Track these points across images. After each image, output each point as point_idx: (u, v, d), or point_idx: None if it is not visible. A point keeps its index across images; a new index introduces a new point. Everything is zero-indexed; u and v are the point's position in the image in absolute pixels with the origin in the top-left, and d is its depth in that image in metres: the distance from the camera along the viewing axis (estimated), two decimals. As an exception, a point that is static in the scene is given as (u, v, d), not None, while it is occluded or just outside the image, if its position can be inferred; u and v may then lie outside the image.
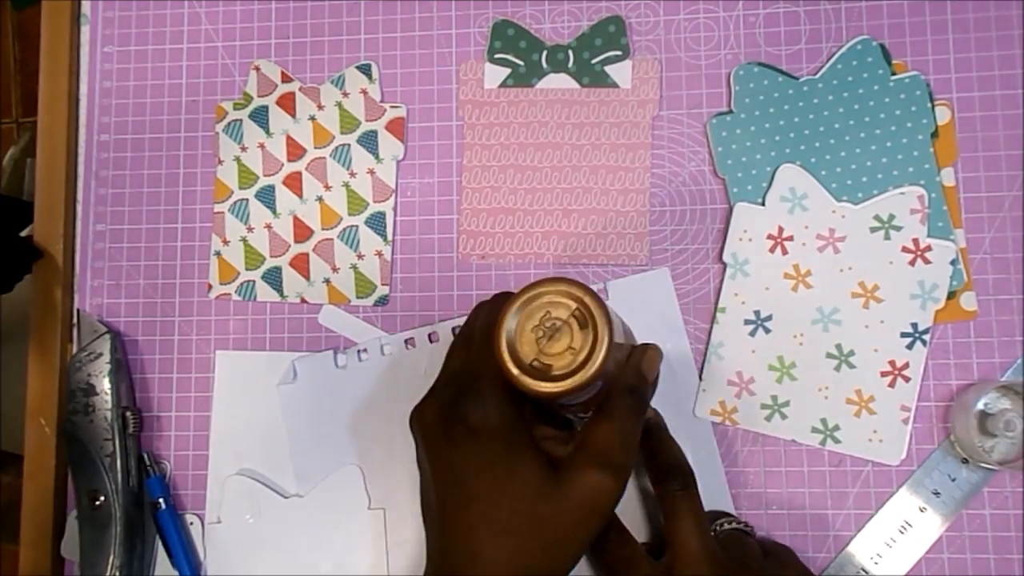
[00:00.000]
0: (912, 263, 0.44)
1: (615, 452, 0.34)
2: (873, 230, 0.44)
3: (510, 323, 0.32)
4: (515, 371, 0.31)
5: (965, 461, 0.43)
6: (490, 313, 0.34)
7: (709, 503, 0.44)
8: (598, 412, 0.35)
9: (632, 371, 0.36)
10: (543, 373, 0.31)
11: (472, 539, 0.34)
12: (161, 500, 0.47)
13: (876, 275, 0.44)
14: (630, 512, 0.45)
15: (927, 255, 0.44)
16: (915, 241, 0.44)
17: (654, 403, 0.45)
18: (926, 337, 0.43)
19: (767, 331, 0.45)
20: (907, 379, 0.44)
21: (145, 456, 0.48)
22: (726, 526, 0.42)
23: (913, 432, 0.44)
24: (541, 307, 0.32)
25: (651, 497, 0.44)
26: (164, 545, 0.47)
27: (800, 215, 0.45)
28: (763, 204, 0.45)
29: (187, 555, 0.47)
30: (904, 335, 0.44)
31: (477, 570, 0.33)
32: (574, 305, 0.32)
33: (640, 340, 0.46)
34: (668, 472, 0.41)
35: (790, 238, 0.45)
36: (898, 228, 0.44)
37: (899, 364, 0.44)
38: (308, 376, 0.48)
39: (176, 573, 0.47)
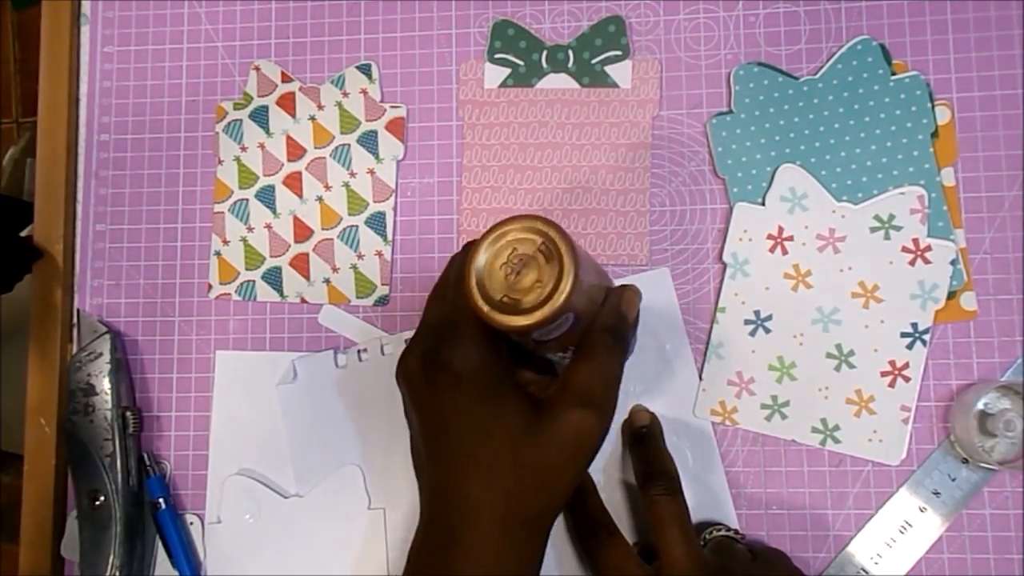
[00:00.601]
0: (912, 263, 0.44)
1: (597, 390, 0.34)
2: (873, 230, 0.44)
3: (479, 262, 0.32)
4: (485, 308, 0.32)
5: (965, 461, 0.43)
6: (462, 262, 0.35)
7: (709, 503, 0.44)
8: (578, 352, 0.35)
9: (611, 310, 0.36)
10: (513, 308, 0.31)
11: (460, 482, 0.34)
12: (161, 500, 0.47)
13: (876, 275, 0.44)
14: (623, 513, 0.45)
15: (927, 255, 0.44)
16: (915, 241, 0.44)
17: (655, 406, 0.45)
18: (926, 337, 0.43)
19: (767, 331, 0.45)
20: (907, 379, 0.44)
21: (145, 456, 0.48)
22: (715, 533, 0.43)
23: (913, 432, 0.44)
24: (508, 245, 0.32)
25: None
26: (164, 545, 0.47)
27: (800, 215, 0.45)
28: (763, 204, 0.45)
29: (187, 555, 0.47)
30: (904, 335, 0.44)
31: (466, 512, 0.34)
32: (539, 240, 0.32)
33: (640, 340, 0.46)
34: (653, 478, 0.41)
35: (790, 238, 0.45)
36: (898, 228, 0.44)
37: (899, 364, 0.44)
38: (308, 376, 0.48)
39: (176, 573, 0.47)
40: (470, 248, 0.33)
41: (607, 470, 0.45)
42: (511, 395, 0.35)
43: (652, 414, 0.45)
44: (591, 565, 0.42)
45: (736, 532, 0.43)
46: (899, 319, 0.44)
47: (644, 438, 0.44)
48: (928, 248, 0.44)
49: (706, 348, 0.45)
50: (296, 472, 0.47)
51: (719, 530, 0.43)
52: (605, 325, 0.36)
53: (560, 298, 0.31)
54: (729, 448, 0.45)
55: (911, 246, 0.44)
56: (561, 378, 0.35)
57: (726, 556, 0.41)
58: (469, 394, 0.34)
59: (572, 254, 0.31)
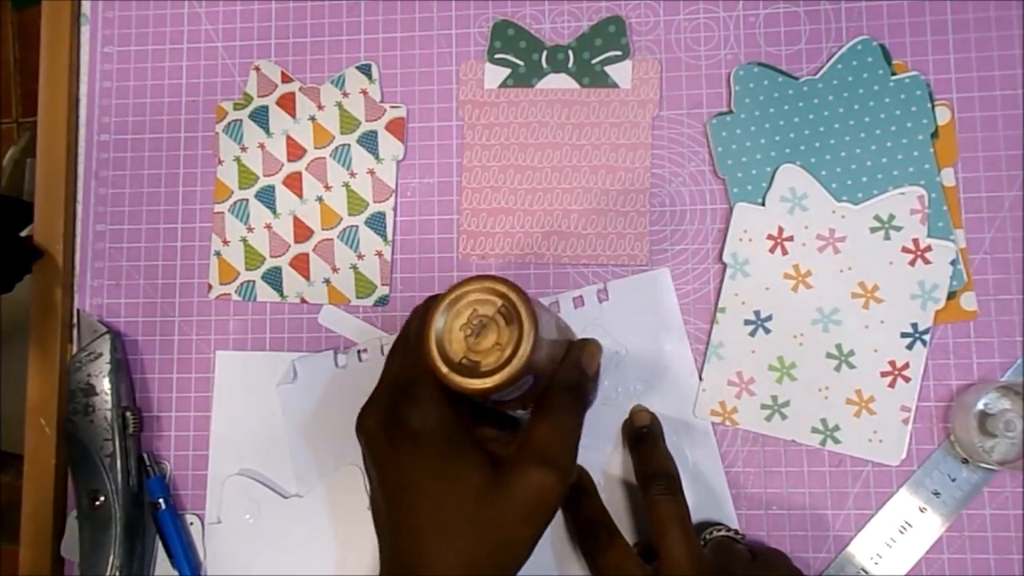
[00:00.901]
0: (912, 263, 0.44)
1: (556, 449, 0.34)
2: (873, 230, 0.44)
3: (438, 323, 0.32)
4: (444, 369, 0.32)
5: (965, 461, 0.43)
6: (422, 320, 0.34)
7: (709, 503, 0.44)
8: (537, 410, 0.35)
9: (570, 366, 0.36)
10: (472, 370, 0.32)
11: (420, 542, 0.34)
12: (161, 500, 0.47)
13: (876, 275, 0.44)
14: (623, 513, 0.45)
15: (927, 255, 0.44)
16: (915, 241, 0.44)
17: (655, 406, 0.45)
18: (926, 337, 0.43)
19: (767, 331, 0.45)
20: (907, 379, 0.44)
21: (145, 456, 0.48)
22: (715, 533, 0.43)
23: (913, 432, 0.44)
24: (468, 305, 0.33)
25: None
26: (164, 545, 0.47)
27: (800, 215, 0.45)
28: (763, 204, 0.45)
29: (187, 555, 0.47)
30: (904, 335, 0.44)
31: (426, 572, 0.33)
32: (500, 302, 0.32)
33: (640, 340, 0.46)
34: (654, 478, 0.41)
35: (790, 238, 0.45)
36: (898, 228, 0.44)
37: (899, 364, 0.44)
38: (308, 376, 0.48)
39: (176, 573, 0.47)
40: (431, 303, 0.33)
41: (607, 470, 0.45)
42: (471, 454, 0.34)
43: (652, 414, 0.45)
44: (591, 565, 0.42)
45: (736, 532, 0.43)
46: (899, 319, 0.44)
47: (644, 438, 0.44)
48: (928, 248, 0.44)
49: (706, 348, 0.45)
50: (296, 472, 0.47)
51: (719, 530, 0.43)
52: (565, 382, 0.36)
53: (519, 362, 0.31)
54: (729, 448, 0.45)
55: (911, 246, 0.44)
56: (521, 436, 0.35)
57: (726, 556, 0.41)
58: (428, 453, 0.34)
59: (531, 317, 0.31)
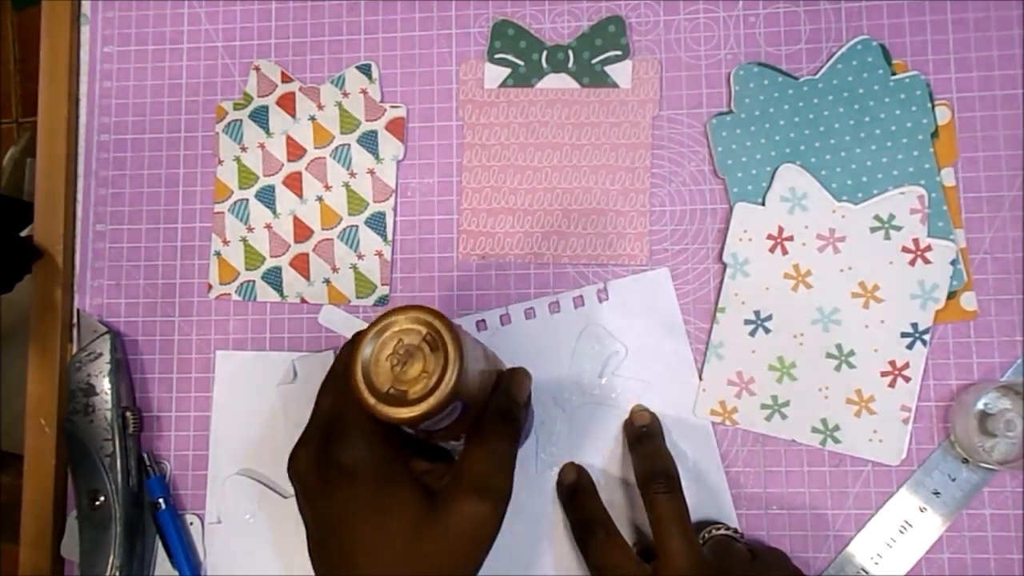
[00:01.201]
0: (912, 263, 0.44)
1: (490, 477, 0.34)
2: (873, 230, 0.44)
3: (365, 353, 0.32)
4: (371, 400, 0.31)
5: (965, 461, 0.43)
6: (349, 354, 0.34)
7: (709, 503, 0.44)
8: (470, 439, 0.35)
9: (501, 394, 0.36)
10: (400, 399, 0.31)
11: None
12: (161, 500, 0.47)
13: (876, 275, 0.44)
14: (622, 514, 0.45)
15: (927, 255, 0.44)
16: (915, 241, 0.44)
17: (655, 406, 0.45)
18: (926, 337, 0.43)
19: (767, 331, 0.45)
20: (907, 379, 0.44)
21: (145, 456, 0.48)
22: (714, 532, 0.43)
23: (913, 432, 0.44)
24: (394, 336, 0.32)
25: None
26: (164, 545, 0.47)
27: (800, 215, 0.45)
28: (763, 204, 0.45)
29: (187, 555, 0.47)
30: (904, 335, 0.44)
31: None
32: (424, 330, 0.32)
33: (640, 340, 0.46)
34: (653, 477, 0.41)
35: (790, 238, 0.45)
36: (898, 228, 0.44)
37: (899, 364, 0.44)
38: (308, 376, 0.48)
39: (176, 573, 0.47)
40: (356, 339, 0.33)
41: (607, 470, 0.45)
42: (404, 488, 0.34)
43: (652, 414, 0.45)
44: (589, 564, 0.42)
45: (735, 531, 0.43)
46: (899, 319, 0.44)
47: (644, 437, 0.44)
48: (928, 248, 0.44)
49: (706, 348, 0.45)
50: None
51: (719, 529, 0.43)
52: (496, 410, 0.35)
53: (446, 387, 0.31)
54: (729, 448, 0.45)
55: (911, 246, 0.44)
56: (454, 467, 0.35)
57: (725, 555, 0.41)
58: (361, 490, 0.33)
59: (456, 344, 0.31)
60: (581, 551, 0.42)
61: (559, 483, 0.45)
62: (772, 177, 0.45)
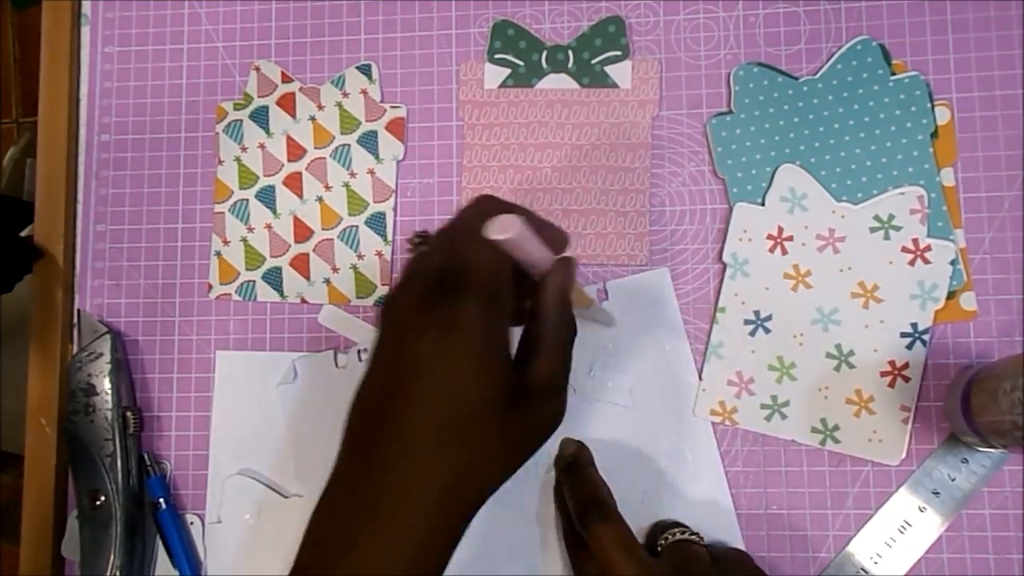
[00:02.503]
0: (912, 263, 0.44)
1: (559, 380, 0.34)
2: (873, 230, 0.44)
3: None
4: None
5: (965, 461, 0.43)
6: (475, 216, 0.33)
7: (709, 503, 0.44)
8: (538, 339, 0.34)
9: (554, 295, 0.35)
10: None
11: (412, 441, 0.31)
12: (161, 500, 0.47)
13: (876, 275, 0.44)
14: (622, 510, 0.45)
15: (927, 255, 0.44)
16: (915, 241, 0.44)
17: (654, 406, 0.45)
18: (926, 337, 0.44)
19: (767, 331, 0.45)
20: (907, 379, 0.44)
21: (146, 456, 0.48)
22: (672, 538, 0.42)
23: (913, 432, 0.44)
24: None
25: None
26: (164, 545, 0.47)
27: (800, 215, 0.45)
28: (763, 204, 0.45)
29: (187, 555, 0.47)
30: (904, 335, 0.44)
31: (411, 476, 0.31)
32: None
33: (639, 340, 0.46)
34: (585, 509, 0.40)
35: (790, 238, 0.45)
36: (898, 228, 0.44)
37: (899, 364, 0.44)
38: (308, 376, 0.48)
39: (176, 573, 0.47)
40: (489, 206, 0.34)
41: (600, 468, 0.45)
42: (507, 364, 0.33)
43: (579, 443, 0.44)
44: (589, 539, 0.40)
45: (695, 534, 0.42)
46: (899, 319, 0.44)
47: (571, 468, 0.43)
48: (928, 248, 0.44)
49: (706, 348, 0.45)
50: (296, 472, 0.47)
51: (683, 532, 0.42)
52: (551, 315, 0.34)
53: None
54: (729, 448, 0.45)
55: (911, 246, 0.44)
56: (532, 367, 0.34)
57: (683, 558, 0.40)
58: (466, 345, 0.31)
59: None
60: (580, 526, 0.41)
61: (558, 456, 0.44)
62: (772, 177, 0.45)
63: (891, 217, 0.44)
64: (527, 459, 0.34)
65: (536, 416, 0.33)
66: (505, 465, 0.33)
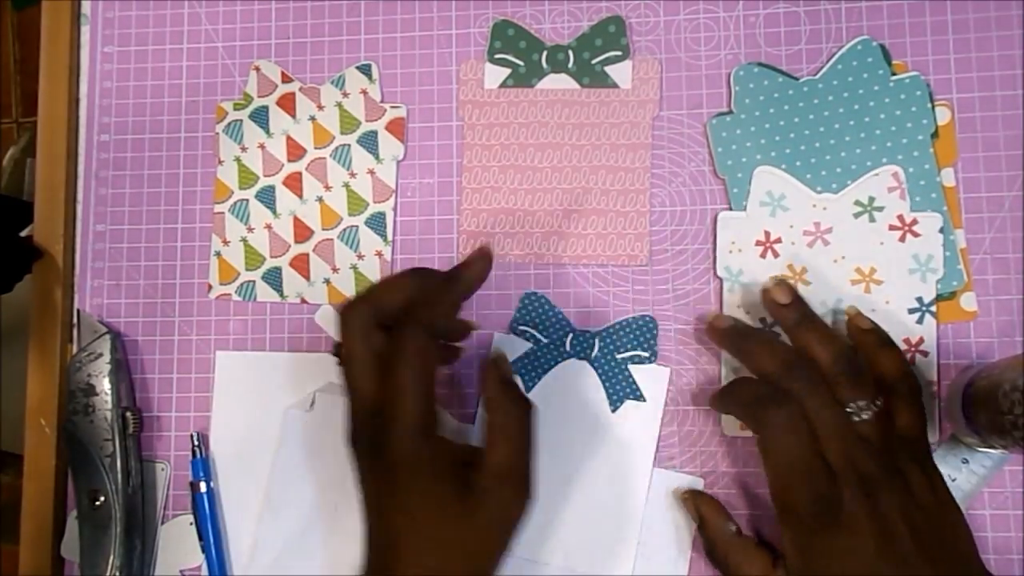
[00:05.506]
0: (902, 239, 0.44)
1: (519, 468, 0.37)
2: (857, 215, 0.44)
3: None
4: None
5: (965, 461, 0.43)
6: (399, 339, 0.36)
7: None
8: (491, 431, 0.37)
9: (497, 388, 0.38)
10: None
11: (398, 547, 0.35)
12: (202, 482, 0.47)
13: (870, 258, 0.44)
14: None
15: (915, 228, 0.44)
16: (900, 217, 0.44)
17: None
18: (933, 309, 0.43)
19: (778, 336, 0.45)
20: (925, 353, 0.43)
21: (194, 436, 0.47)
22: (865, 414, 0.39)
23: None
24: None
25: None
26: (197, 529, 0.47)
27: (782, 216, 0.45)
28: (744, 211, 0.45)
29: (217, 543, 0.47)
30: (912, 311, 0.44)
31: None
32: None
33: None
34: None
35: (778, 240, 0.45)
36: (880, 208, 0.44)
37: (914, 341, 0.43)
38: (324, 410, 0.47)
39: (191, 564, 0.47)
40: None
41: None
42: (445, 482, 0.36)
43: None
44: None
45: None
46: (903, 296, 0.44)
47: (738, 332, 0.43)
48: (915, 222, 0.44)
49: (720, 366, 0.45)
50: (269, 500, 0.47)
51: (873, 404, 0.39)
52: (494, 404, 0.38)
53: None
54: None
55: (897, 223, 0.44)
56: (483, 460, 0.36)
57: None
58: (402, 481, 0.35)
59: None
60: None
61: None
62: (749, 182, 0.45)
63: (871, 199, 0.44)
64: (500, 549, 0.36)
65: (494, 503, 0.35)
66: (475, 555, 0.35)
